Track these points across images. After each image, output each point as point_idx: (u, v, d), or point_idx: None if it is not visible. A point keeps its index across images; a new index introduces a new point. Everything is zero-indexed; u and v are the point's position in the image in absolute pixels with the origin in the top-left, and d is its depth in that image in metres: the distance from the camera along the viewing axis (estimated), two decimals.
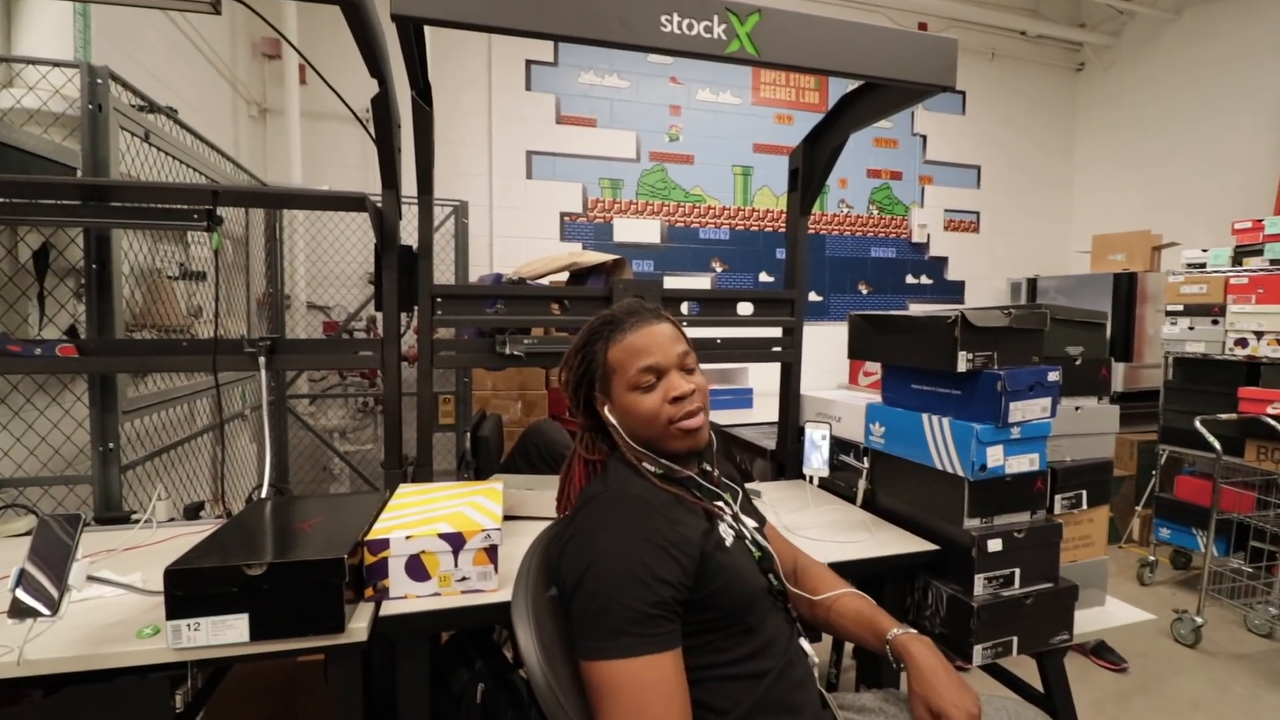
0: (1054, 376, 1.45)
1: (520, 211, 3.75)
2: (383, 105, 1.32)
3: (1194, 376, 3.19)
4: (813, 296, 4.43)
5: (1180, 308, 3.24)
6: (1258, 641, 2.64)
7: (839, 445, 1.79)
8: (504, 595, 1.17)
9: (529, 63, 3.72)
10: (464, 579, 1.19)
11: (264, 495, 1.53)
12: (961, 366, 1.39)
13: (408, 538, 1.17)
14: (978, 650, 1.36)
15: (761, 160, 4.18)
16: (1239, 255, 3.09)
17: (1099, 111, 5.06)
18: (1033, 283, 4.65)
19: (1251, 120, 4.06)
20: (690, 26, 1.17)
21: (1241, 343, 2.99)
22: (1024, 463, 1.44)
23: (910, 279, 4.72)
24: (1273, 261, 2.95)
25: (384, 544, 1.16)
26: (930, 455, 1.48)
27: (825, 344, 3.25)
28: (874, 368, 2.12)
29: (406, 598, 1.17)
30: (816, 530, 1.54)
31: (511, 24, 1.09)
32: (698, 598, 0.81)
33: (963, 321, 1.38)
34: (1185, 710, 2.19)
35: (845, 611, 1.04)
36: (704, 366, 1.05)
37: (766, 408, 2.83)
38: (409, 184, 1.62)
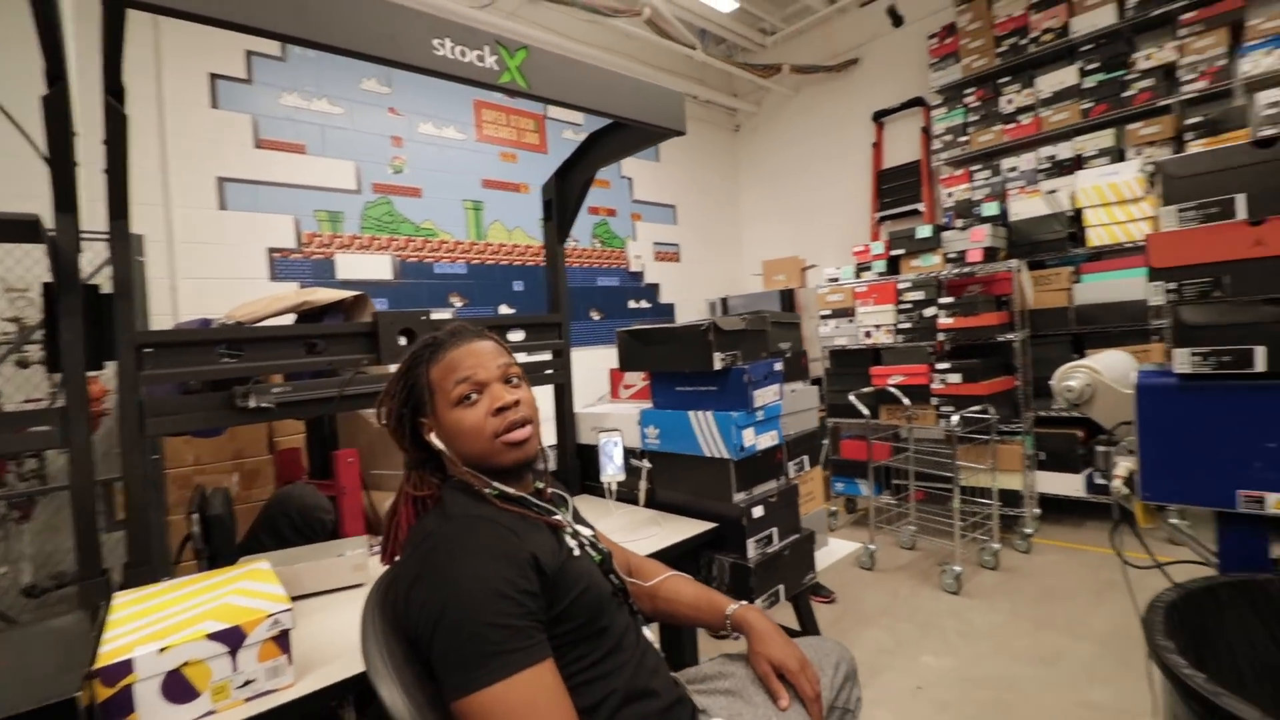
0: (779, 366, 1.80)
1: (214, 248, 3.16)
2: (59, 106, 1.04)
3: (843, 363, 4.18)
4: None
5: (829, 312, 4.21)
6: (908, 554, 3.53)
7: None
8: (307, 687, 1.01)
9: (213, 76, 3.19)
10: (248, 683, 0.99)
11: None
12: (717, 365, 1.63)
13: (162, 650, 0.92)
14: (758, 603, 1.60)
15: (491, 195, 4.24)
16: (859, 271, 4.15)
17: (753, 164, 6.32)
18: (724, 301, 5.55)
19: (850, 170, 5.51)
20: (463, 53, 1.19)
21: (868, 334, 4.02)
22: (768, 439, 1.74)
23: (632, 304, 5.24)
24: (879, 274, 4.04)
25: (124, 668, 0.90)
26: (700, 445, 1.70)
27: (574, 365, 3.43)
28: (633, 380, 2.32)
29: None
30: (615, 535, 1.63)
31: (265, 24, 0.97)
32: (558, 611, 0.83)
33: (715, 328, 1.63)
34: (876, 617, 2.83)
35: (682, 598, 1.14)
36: None
37: (547, 432, 2.88)
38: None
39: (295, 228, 3.42)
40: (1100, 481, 3.48)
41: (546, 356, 2.04)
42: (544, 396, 2.21)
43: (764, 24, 5.60)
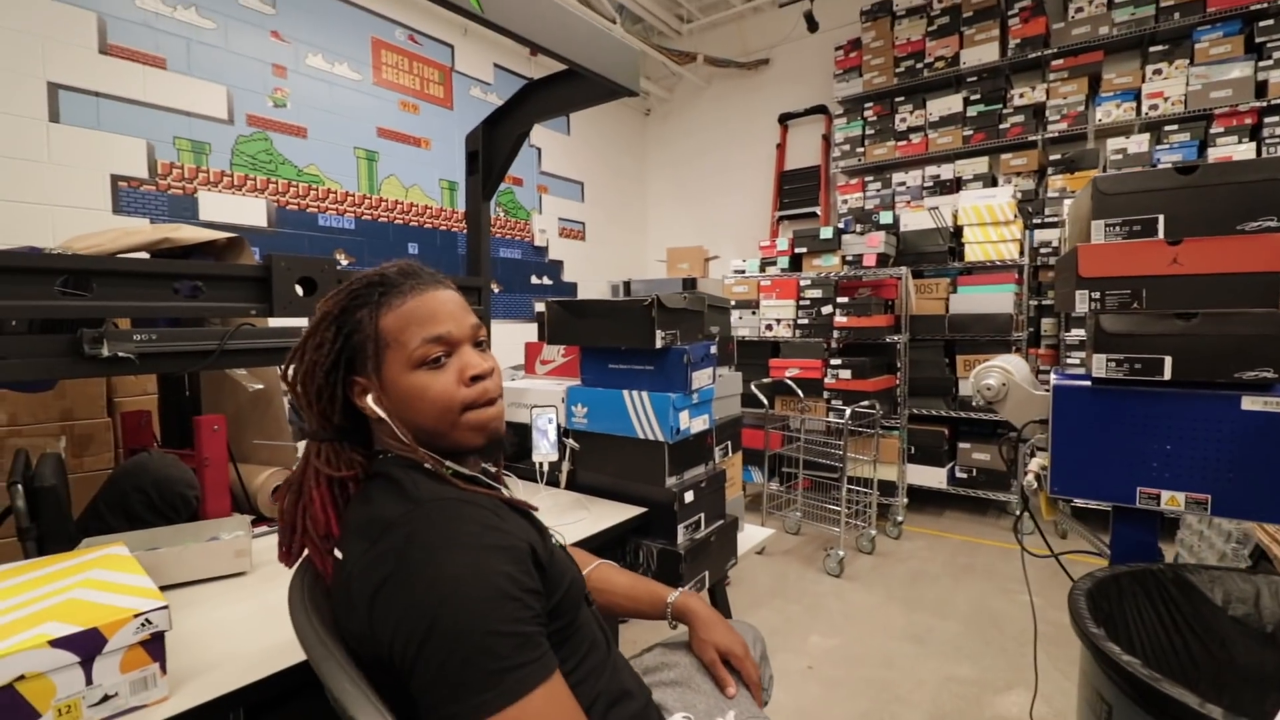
0: (714, 349, 1.77)
1: (39, 167, 2.58)
2: None
3: (745, 353, 4.28)
4: None
5: (734, 303, 4.29)
6: (793, 539, 3.71)
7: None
8: (184, 702, 0.82)
9: None
10: (106, 698, 0.78)
11: None
12: (659, 343, 1.56)
13: None
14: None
15: (387, 147, 3.86)
16: (763, 265, 4.27)
17: (662, 149, 6.31)
18: (628, 285, 5.49)
19: (754, 167, 5.66)
20: None
21: (769, 327, 4.15)
22: (700, 423, 1.71)
23: (535, 279, 5.05)
24: (782, 270, 4.18)
25: None
26: (633, 426, 1.63)
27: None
28: (551, 355, 2.20)
29: None
30: (544, 519, 1.52)
31: None
32: (550, 606, 0.71)
33: (658, 304, 1.55)
34: (767, 599, 2.94)
35: (616, 588, 1.06)
36: None
37: None
38: None
39: (149, 154, 2.88)
40: (960, 475, 3.86)
41: None
42: None
43: (682, 10, 5.58)
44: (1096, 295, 1.27)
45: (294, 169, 3.41)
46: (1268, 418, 1.16)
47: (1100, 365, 1.25)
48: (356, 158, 3.71)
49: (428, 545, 0.63)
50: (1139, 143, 3.86)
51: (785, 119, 5.48)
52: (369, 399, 0.75)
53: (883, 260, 3.86)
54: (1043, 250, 3.88)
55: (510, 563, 0.65)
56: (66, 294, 1.17)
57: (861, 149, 4.90)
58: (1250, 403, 1.18)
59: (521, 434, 1.62)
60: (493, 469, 0.88)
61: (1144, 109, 3.87)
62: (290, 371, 0.78)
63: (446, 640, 0.58)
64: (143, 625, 0.80)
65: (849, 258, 3.93)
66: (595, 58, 1.42)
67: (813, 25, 4.44)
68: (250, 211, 3.24)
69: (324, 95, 3.54)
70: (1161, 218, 1.22)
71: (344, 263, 3.66)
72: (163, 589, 1.11)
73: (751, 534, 2.05)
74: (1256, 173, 1.20)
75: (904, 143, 4.70)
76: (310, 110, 3.47)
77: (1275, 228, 1.18)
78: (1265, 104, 3.56)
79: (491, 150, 1.83)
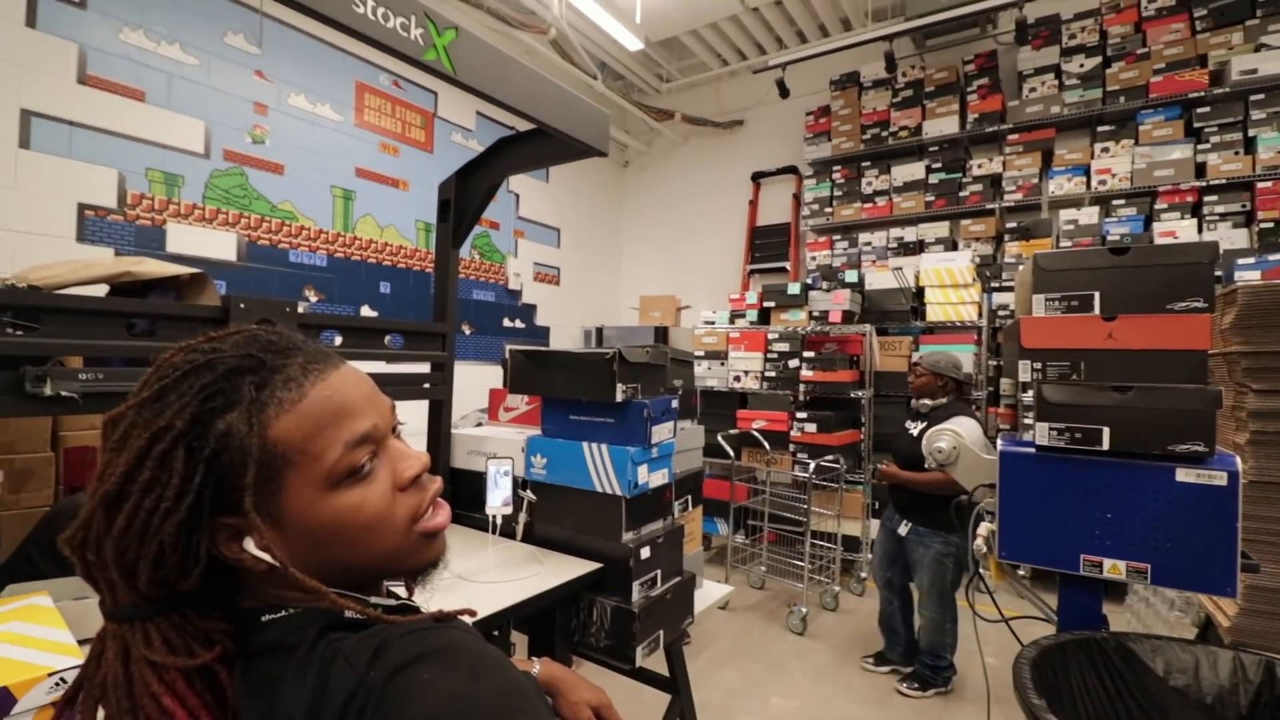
0: (675, 404, 1.78)
1: (3, 192, 2.54)
2: None
3: (713, 403, 4.31)
4: None
5: (702, 353, 4.35)
6: (758, 594, 3.67)
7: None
8: None
9: None
10: None
11: None
12: (619, 397, 1.57)
13: None
14: (639, 651, 1.53)
15: (365, 187, 3.88)
16: (733, 317, 4.35)
17: (638, 200, 6.46)
18: (600, 331, 5.54)
19: (727, 221, 5.81)
20: (387, 17, 1.05)
21: (737, 378, 4.20)
22: (660, 477, 1.70)
23: (507, 322, 5.05)
24: (751, 322, 4.26)
25: None
26: (591, 480, 1.62)
27: None
28: (515, 402, 2.19)
29: None
30: (493, 573, 1.49)
31: None
32: None
33: (620, 357, 1.57)
34: (729, 658, 2.88)
35: None
36: None
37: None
38: None
39: (119, 184, 2.86)
40: None
41: (424, 368, 1.85)
42: (418, 412, 2.02)
43: (661, 70, 5.81)
44: (1038, 365, 1.32)
45: (268, 204, 3.41)
46: (1200, 489, 1.21)
47: (1043, 433, 1.29)
48: (333, 196, 3.72)
49: (423, 685, 0.46)
50: (1089, 214, 4.07)
51: (758, 177, 5.68)
52: (250, 545, 0.51)
53: (848, 317, 3.96)
54: (1000, 313, 4.03)
55: (513, 668, 0.53)
56: (15, 328, 1.14)
57: (830, 209, 5.08)
58: (1184, 474, 1.23)
59: (477, 483, 1.60)
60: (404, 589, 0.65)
61: (1093, 183, 4.11)
62: (92, 534, 0.48)
63: None
64: (57, 684, 0.76)
65: (816, 313, 4.03)
66: (565, 119, 1.47)
67: (784, 91, 4.66)
68: (219, 245, 3.21)
69: (304, 134, 3.57)
70: (1097, 294, 1.29)
71: (313, 300, 3.63)
72: (86, 643, 1.06)
73: (712, 590, 2.02)
74: (1183, 256, 1.28)
75: (870, 205, 4.89)
76: (289, 148, 3.49)
77: (1201, 308, 1.26)
78: (1204, 184, 3.81)
79: (463, 200, 1.87)
